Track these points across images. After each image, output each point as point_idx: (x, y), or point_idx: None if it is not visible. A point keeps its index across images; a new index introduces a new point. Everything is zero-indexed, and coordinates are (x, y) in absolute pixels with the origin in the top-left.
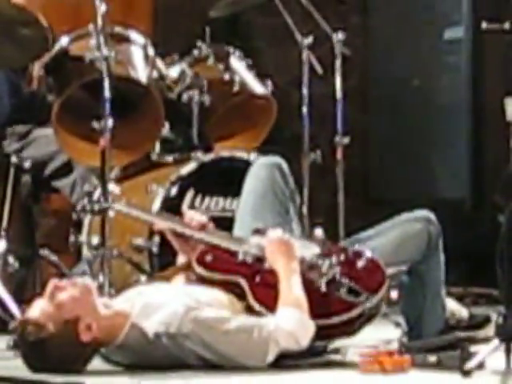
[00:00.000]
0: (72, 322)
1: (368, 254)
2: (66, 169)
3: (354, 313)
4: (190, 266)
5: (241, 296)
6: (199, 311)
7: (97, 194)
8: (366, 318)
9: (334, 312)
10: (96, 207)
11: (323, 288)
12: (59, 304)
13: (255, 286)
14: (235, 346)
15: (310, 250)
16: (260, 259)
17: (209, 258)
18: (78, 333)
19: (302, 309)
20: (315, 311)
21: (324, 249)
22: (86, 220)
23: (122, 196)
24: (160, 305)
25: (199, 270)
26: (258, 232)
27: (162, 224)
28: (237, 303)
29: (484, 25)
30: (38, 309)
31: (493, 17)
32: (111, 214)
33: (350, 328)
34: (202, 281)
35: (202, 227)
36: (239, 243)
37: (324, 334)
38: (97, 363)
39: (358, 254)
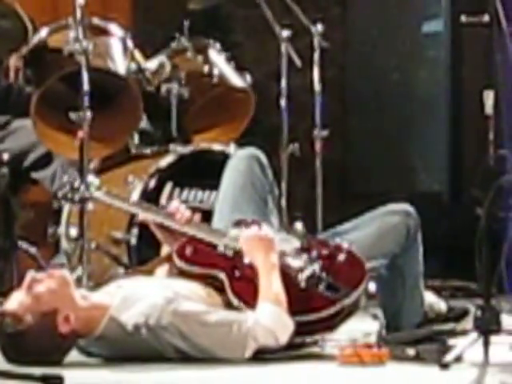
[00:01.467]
0: (50, 313)
1: (349, 248)
2: (46, 160)
3: (334, 309)
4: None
5: (220, 289)
6: (179, 303)
7: (77, 183)
8: (346, 314)
9: (313, 308)
10: (77, 196)
11: (302, 283)
12: (37, 296)
13: (235, 279)
14: (214, 339)
15: (290, 244)
16: (240, 253)
17: (189, 250)
18: (56, 324)
19: (281, 305)
20: (294, 307)
21: (304, 243)
22: (65, 211)
23: (102, 186)
24: (139, 297)
25: (179, 262)
26: (239, 224)
27: (142, 214)
28: (216, 297)
29: (463, 18)
30: (16, 301)
31: (472, 10)
32: (92, 203)
33: (329, 324)
34: (182, 273)
35: (188, 221)
36: (220, 236)
37: (302, 330)
38: (75, 355)
39: (339, 248)
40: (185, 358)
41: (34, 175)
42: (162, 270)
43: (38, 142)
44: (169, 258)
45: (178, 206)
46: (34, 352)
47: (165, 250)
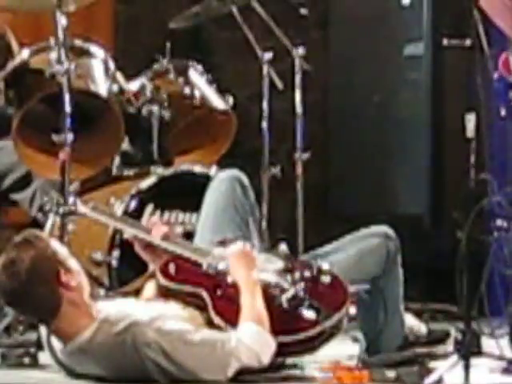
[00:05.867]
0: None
1: (331, 270)
2: (25, 181)
3: (315, 331)
4: None
5: (202, 308)
6: (163, 322)
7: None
8: (327, 336)
9: (294, 329)
10: (61, 210)
11: (284, 304)
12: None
13: (216, 298)
14: (196, 358)
15: (273, 265)
16: (223, 272)
17: (172, 268)
18: (58, 271)
19: (263, 325)
20: (276, 327)
21: (287, 264)
22: (46, 231)
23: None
24: (124, 316)
25: (162, 280)
26: (223, 243)
27: (128, 231)
28: (198, 317)
29: (445, 41)
30: None
31: (453, 33)
32: (72, 224)
33: (309, 345)
34: (165, 291)
35: (164, 236)
36: (204, 254)
37: (283, 350)
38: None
39: (322, 271)
40: (167, 379)
41: (13, 197)
42: (151, 287)
43: (18, 162)
44: (151, 277)
45: (155, 221)
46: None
47: (152, 267)
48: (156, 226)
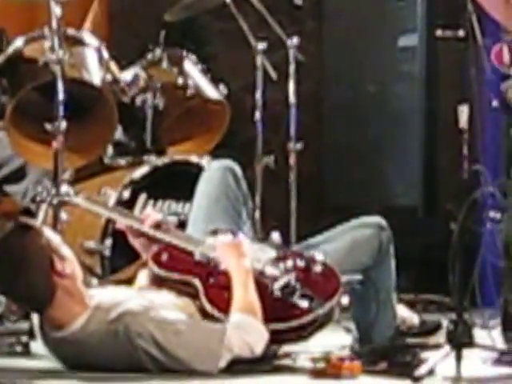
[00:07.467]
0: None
1: (323, 260)
2: (19, 174)
3: (307, 319)
4: None
5: (194, 296)
6: (155, 311)
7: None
8: (319, 325)
9: (286, 317)
10: (55, 199)
11: (277, 293)
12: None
13: (209, 286)
14: (188, 348)
15: (266, 254)
16: (216, 260)
17: (165, 256)
18: (53, 260)
19: (255, 315)
20: (268, 315)
21: (280, 253)
22: (39, 221)
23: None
24: (116, 303)
25: (155, 268)
26: (215, 233)
27: (121, 221)
28: (191, 306)
29: (438, 32)
30: None
31: (447, 24)
32: (65, 214)
33: (301, 333)
34: (158, 279)
35: (157, 225)
36: (196, 244)
37: (275, 338)
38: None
39: (314, 260)
40: (157, 367)
41: (6, 188)
42: (144, 275)
43: (12, 155)
44: (144, 265)
45: (149, 212)
46: (23, 274)
47: (145, 258)
48: (149, 216)
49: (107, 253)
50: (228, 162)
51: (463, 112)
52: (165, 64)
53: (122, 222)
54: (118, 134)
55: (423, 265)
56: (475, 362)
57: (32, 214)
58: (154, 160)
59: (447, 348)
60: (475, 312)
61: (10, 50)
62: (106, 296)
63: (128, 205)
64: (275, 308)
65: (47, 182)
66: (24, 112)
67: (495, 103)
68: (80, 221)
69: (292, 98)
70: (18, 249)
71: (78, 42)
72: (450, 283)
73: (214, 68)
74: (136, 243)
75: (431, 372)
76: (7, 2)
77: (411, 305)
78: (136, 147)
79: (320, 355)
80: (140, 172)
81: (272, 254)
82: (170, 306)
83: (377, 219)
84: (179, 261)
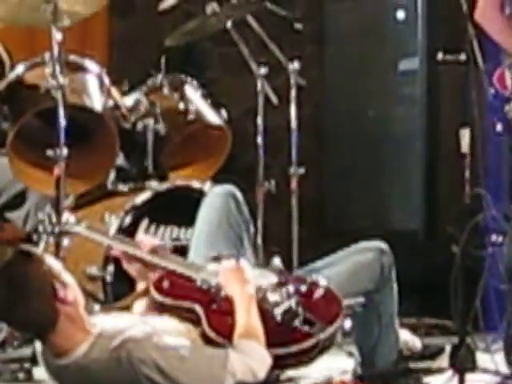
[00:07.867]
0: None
1: (325, 284)
2: (19, 200)
3: (308, 343)
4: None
5: (196, 323)
6: (158, 337)
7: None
8: (321, 349)
9: (288, 342)
10: (56, 229)
11: (278, 317)
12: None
13: (211, 312)
14: (191, 374)
15: (267, 279)
16: (218, 287)
17: (166, 283)
18: (55, 287)
19: (258, 340)
20: (270, 340)
21: (281, 278)
22: (40, 247)
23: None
24: (119, 331)
25: (156, 295)
26: (217, 259)
27: (121, 248)
28: (193, 331)
29: (440, 56)
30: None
31: (448, 48)
32: (67, 240)
33: (304, 358)
34: (159, 306)
35: (153, 250)
36: (197, 270)
37: (278, 363)
38: None
39: (316, 285)
40: None
41: (7, 215)
42: (140, 305)
43: (12, 181)
44: (145, 293)
45: (141, 238)
46: (25, 301)
47: (140, 285)
48: (144, 242)
49: (109, 279)
50: (229, 187)
51: (465, 136)
52: (166, 89)
53: (117, 248)
54: (120, 159)
55: (425, 289)
56: None
57: (33, 240)
58: (156, 185)
59: (450, 372)
60: (478, 336)
61: (11, 76)
62: (109, 323)
63: (130, 230)
64: (277, 333)
65: (48, 208)
66: (25, 138)
67: (499, 127)
68: (82, 247)
69: (293, 123)
70: (20, 276)
71: (79, 68)
72: (452, 307)
73: (215, 93)
74: (131, 269)
75: None
76: (9, 27)
77: (413, 329)
78: (137, 173)
79: (322, 380)
80: (142, 198)
81: (273, 279)
82: (172, 332)
83: (378, 243)
84: (181, 287)
